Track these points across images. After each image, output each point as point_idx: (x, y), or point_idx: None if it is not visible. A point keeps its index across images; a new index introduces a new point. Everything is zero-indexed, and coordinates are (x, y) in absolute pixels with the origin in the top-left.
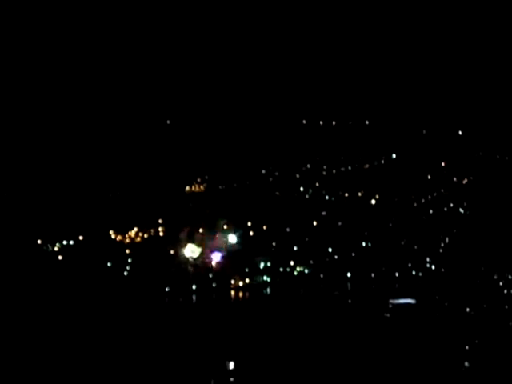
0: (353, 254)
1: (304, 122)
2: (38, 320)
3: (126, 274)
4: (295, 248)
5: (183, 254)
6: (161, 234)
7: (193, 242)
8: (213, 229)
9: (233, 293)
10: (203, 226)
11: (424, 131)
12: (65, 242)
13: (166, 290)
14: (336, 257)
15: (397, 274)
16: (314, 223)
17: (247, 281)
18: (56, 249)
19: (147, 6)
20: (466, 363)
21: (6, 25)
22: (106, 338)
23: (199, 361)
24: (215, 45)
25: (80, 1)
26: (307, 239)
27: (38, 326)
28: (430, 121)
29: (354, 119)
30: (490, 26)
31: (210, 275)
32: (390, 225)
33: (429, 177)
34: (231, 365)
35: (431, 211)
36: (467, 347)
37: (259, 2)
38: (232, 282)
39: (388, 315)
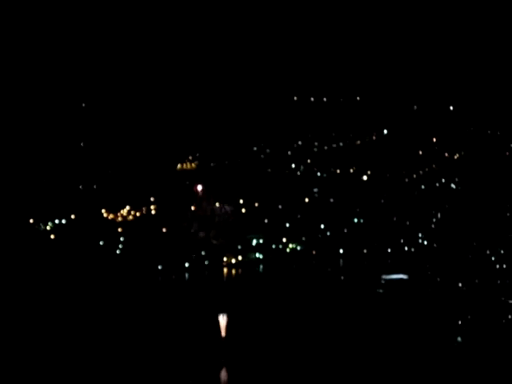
0: (345, 231)
1: (295, 98)
2: (31, 298)
3: (118, 252)
4: (287, 225)
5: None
6: (153, 212)
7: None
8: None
9: (225, 270)
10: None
11: (415, 107)
12: (57, 221)
13: (159, 267)
14: (328, 233)
15: (389, 250)
16: (306, 200)
17: (240, 258)
18: (48, 228)
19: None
20: (459, 338)
21: (6, 25)
22: (99, 316)
23: (193, 339)
24: (202, 24)
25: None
26: (299, 216)
27: (31, 304)
28: (421, 96)
29: (345, 96)
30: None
31: (203, 253)
32: (382, 201)
33: (420, 152)
34: (225, 342)
35: (423, 187)
36: (460, 322)
37: None
38: (224, 259)
39: (381, 290)
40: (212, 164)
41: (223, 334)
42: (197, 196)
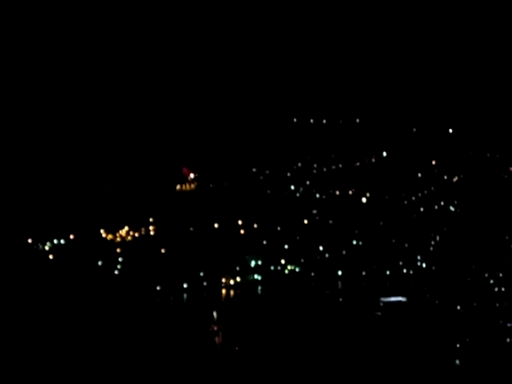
0: (344, 252)
1: (295, 120)
2: (29, 319)
3: (116, 272)
4: (286, 246)
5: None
6: (151, 232)
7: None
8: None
9: (224, 291)
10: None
11: (414, 129)
12: (56, 241)
13: (157, 288)
14: (327, 255)
15: (388, 272)
16: (305, 221)
17: (238, 279)
18: (47, 248)
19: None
20: (457, 361)
21: (6, 25)
22: (98, 336)
23: (191, 359)
24: (206, 40)
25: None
26: (298, 238)
27: (29, 324)
28: (421, 119)
29: (345, 118)
30: (483, 23)
31: (201, 274)
32: (381, 223)
33: (419, 175)
34: (222, 363)
35: (422, 209)
36: (458, 345)
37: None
38: (223, 280)
39: (379, 313)
40: (211, 185)
41: (219, 353)
42: None
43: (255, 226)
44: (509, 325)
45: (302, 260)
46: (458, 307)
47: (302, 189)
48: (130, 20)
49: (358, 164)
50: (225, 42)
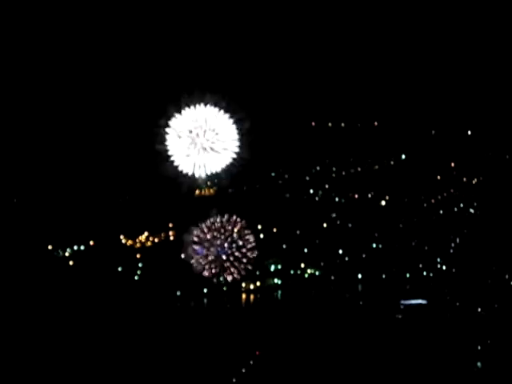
0: (363, 256)
1: (313, 124)
2: (50, 325)
3: (136, 278)
4: (306, 250)
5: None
6: (171, 238)
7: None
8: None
9: (244, 296)
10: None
11: (433, 132)
12: (76, 248)
13: (178, 293)
14: (347, 258)
15: (408, 275)
16: (324, 225)
17: (258, 284)
18: (67, 254)
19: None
20: (479, 363)
21: (6, 25)
22: (119, 342)
23: (211, 364)
24: (222, 46)
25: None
26: (317, 241)
27: (50, 331)
28: (440, 122)
29: (364, 121)
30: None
31: (221, 278)
32: (401, 226)
33: (438, 177)
34: (243, 368)
35: (441, 212)
36: (479, 347)
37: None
38: (243, 285)
39: (400, 316)
40: (230, 190)
41: (239, 357)
42: None
43: (274, 230)
44: None
45: (322, 264)
46: (479, 309)
47: (321, 192)
48: (129, 20)
49: (376, 167)
50: (245, 49)
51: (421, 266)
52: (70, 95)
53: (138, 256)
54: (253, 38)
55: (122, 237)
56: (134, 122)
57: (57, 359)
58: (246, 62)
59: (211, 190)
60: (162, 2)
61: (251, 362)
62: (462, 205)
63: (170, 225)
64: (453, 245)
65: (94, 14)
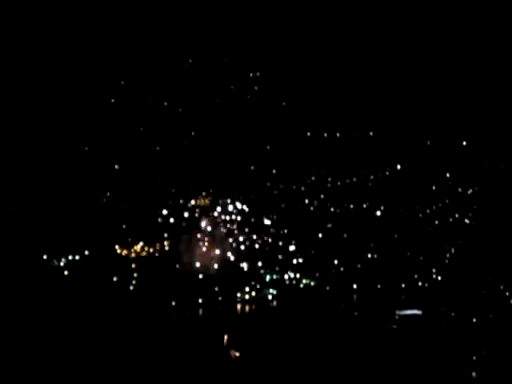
0: (358, 266)
1: (308, 134)
2: (45, 334)
3: (131, 288)
4: (301, 260)
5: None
6: (166, 248)
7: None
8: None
9: (239, 306)
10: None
11: (428, 142)
12: (70, 257)
13: (173, 304)
14: (342, 269)
15: (403, 285)
16: (320, 235)
17: (253, 294)
18: (61, 264)
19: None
20: (474, 373)
21: (6, 25)
22: (114, 351)
23: (206, 374)
24: (216, 53)
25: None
26: (313, 251)
27: (45, 340)
28: (435, 132)
29: (358, 131)
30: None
31: (216, 288)
32: (396, 236)
33: (434, 187)
34: (237, 378)
35: (437, 222)
36: (474, 358)
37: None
38: (238, 295)
39: (395, 326)
40: (226, 200)
41: (233, 368)
42: None
43: (269, 240)
44: None
45: (317, 274)
46: (474, 320)
47: (316, 202)
48: (129, 20)
49: (372, 177)
50: (244, 55)
51: (416, 276)
52: (70, 96)
53: (133, 266)
54: (253, 38)
55: (117, 246)
56: (127, 129)
57: (52, 369)
58: (239, 70)
59: (206, 200)
60: (162, 1)
61: (245, 372)
62: (457, 215)
63: (165, 235)
64: (448, 255)
65: (94, 14)
